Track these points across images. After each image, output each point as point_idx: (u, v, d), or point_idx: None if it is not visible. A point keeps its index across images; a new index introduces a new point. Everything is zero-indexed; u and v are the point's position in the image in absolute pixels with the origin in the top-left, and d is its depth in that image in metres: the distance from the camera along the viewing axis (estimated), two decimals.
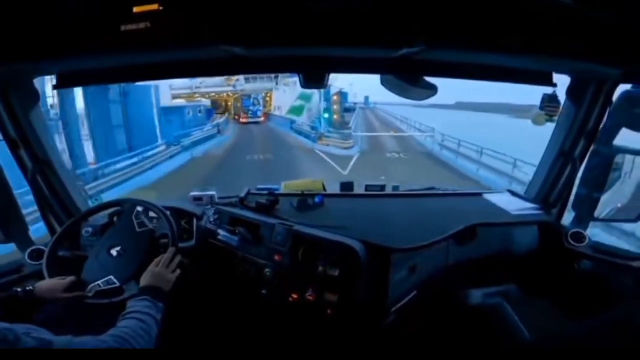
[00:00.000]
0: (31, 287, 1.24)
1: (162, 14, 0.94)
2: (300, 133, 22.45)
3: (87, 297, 1.32)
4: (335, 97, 29.58)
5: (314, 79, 1.47)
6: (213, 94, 32.96)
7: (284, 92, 31.93)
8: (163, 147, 16.33)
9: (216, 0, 0.96)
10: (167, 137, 17.51)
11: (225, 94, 32.93)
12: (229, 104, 33.12)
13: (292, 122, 25.66)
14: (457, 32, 1.02)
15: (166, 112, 20.25)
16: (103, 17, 0.97)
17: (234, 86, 29.70)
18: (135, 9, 0.94)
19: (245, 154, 15.33)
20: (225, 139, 21.73)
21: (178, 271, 1.34)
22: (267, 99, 33.47)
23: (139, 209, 1.56)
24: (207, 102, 31.42)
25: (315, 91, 28.82)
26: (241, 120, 30.60)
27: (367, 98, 41.20)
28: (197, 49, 1.12)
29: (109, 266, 1.41)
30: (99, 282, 1.35)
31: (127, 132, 15.55)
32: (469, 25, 1.00)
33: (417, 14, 0.99)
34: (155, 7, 0.94)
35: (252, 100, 30.83)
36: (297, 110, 29.67)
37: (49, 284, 1.30)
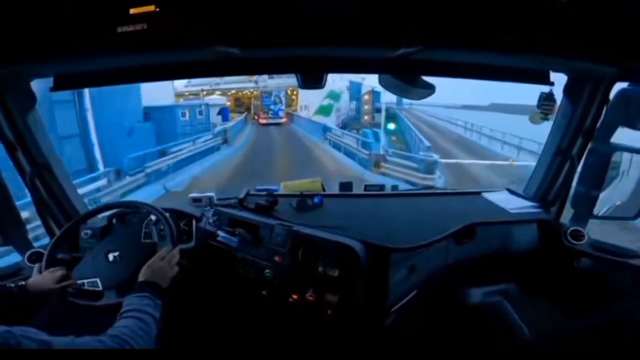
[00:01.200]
0: (23, 282, 1.25)
1: (159, 15, 0.94)
2: (338, 147, 15.38)
3: (75, 284, 1.34)
4: (366, 97, 26.82)
5: (312, 79, 1.47)
6: (234, 91, 30.02)
7: (310, 90, 27.59)
8: (103, 182, 9.53)
9: (212, 1, 0.96)
10: (122, 161, 10.71)
11: (248, 91, 29.81)
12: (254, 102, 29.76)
13: (326, 128, 18.73)
14: (453, 31, 1.02)
15: (150, 114, 15.69)
16: (99, 18, 0.97)
17: (256, 82, 26.49)
18: (132, 10, 0.94)
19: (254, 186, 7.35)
20: (231, 153, 15.76)
21: (176, 268, 1.34)
22: (293, 97, 30.39)
23: (153, 217, 1.55)
24: (221, 100, 27.44)
25: (345, 89, 27.48)
26: (260, 120, 27.15)
27: (398, 98, 35.95)
28: (193, 50, 1.12)
29: (101, 269, 1.42)
30: (85, 280, 1.36)
31: (86, 146, 11.40)
32: (465, 24, 1.01)
33: (413, 13, 1.00)
34: (151, 8, 0.94)
35: (272, 99, 27.07)
36: (325, 110, 26.85)
37: (40, 277, 1.31)
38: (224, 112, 26.08)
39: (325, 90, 25.36)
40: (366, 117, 27.58)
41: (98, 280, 1.37)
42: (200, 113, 19.81)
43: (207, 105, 21.14)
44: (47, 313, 1.29)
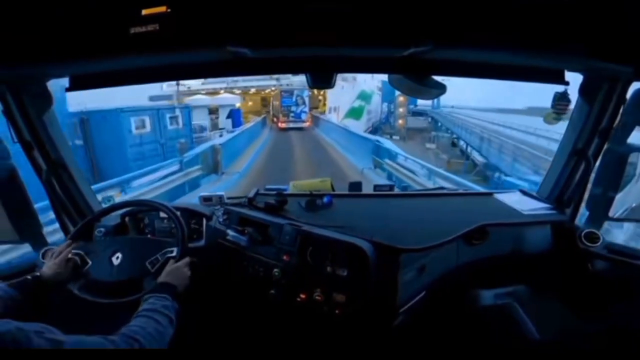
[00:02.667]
0: (38, 273, 1.31)
1: (170, 16, 0.95)
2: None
3: (86, 266, 1.42)
4: (401, 98, 24.48)
5: (321, 79, 1.47)
6: (253, 90, 26.72)
7: (342, 89, 22.95)
8: None
9: (223, 2, 0.96)
10: None
11: (270, 90, 26.22)
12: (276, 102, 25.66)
13: (379, 148, 11.19)
14: (465, 29, 1.01)
15: (89, 122, 9.97)
16: (113, 19, 0.99)
17: (278, 79, 22.93)
18: (144, 11, 0.96)
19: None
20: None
21: (188, 273, 1.38)
22: (320, 97, 26.84)
23: (174, 251, 1.50)
24: (233, 100, 23.73)
25: (375, 89, 24.85)
26: (279, 124, 23.58)
27: (437, 100, 28.83)
28: (205, 51, 1.13)
29: (99, 260, 1.45)
30: (81, 252, 1.44)
31: None
32: (476, 22, 0.99)
33: (424, 12, 0.98)
34: (163, 9, 0.95)
35: (294, 99, 23.42)
36: (356, 113, 23.86)
37: (51, 267, 1.36)
38: (234, 115, 22.29)
39: (356, 90, 23.38)
40: (400, 122, 25.34)
41: (90, 263, 1.43)
42: (174, 121, 11.99)
43: (188, 108, 13.91)
44: (57, 308, 1.32)
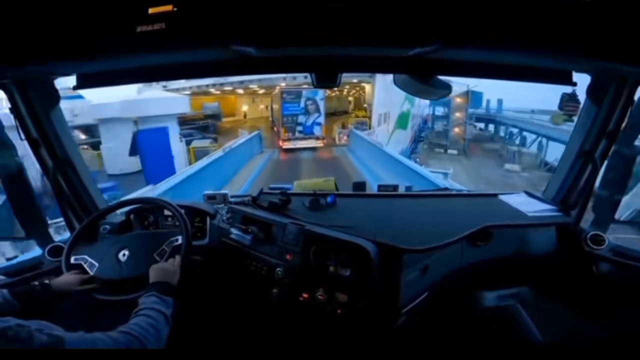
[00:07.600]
0: (48, 281, 1.31)
1: (176, 15, 0.95)
2: None
3: (96, 289, 1.38)
4: (458, 100, 18.80)
5: (326, 78, 1.47)
6: (256, 87, 19.68)
7: (392, 85, 11.35)
8: None
9: (228, 1, 0.96)
10: None
11: (279, 89, 17.81)
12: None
13: None
14: (472, 29, 1.00)
15: None
16: (120, 18, 0.99)
17: (292, 75, 15.18)
18: (150, 10, 0.96)
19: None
20: None
21: (178, 260, 1.40)
22: (349, 98, 19.78)
23: (180, 239, 1.50)
24: (176, 104, 15.67)
25: None
26: (281, 143, 16.33)
27: (499, 102, 23.64)
28: (210, 49, 1.13)
29: (106, 259, 1.45)
30: (85, 256, 1.44)
31: None
32: (484, 22, 0.98)
33: (431, 11, 0.98)
34: (169, 8, 0.95)
35: (302, 103, 16.01)
36: (404, 121, 17.84)
37: (64, 278, 1.36)
38: (141, 147, 11.82)
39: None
40: (456, 130, 20.06)
41: (97, 265, 1.42)
42: None
43: None
44: (62, 308, 1.33)
